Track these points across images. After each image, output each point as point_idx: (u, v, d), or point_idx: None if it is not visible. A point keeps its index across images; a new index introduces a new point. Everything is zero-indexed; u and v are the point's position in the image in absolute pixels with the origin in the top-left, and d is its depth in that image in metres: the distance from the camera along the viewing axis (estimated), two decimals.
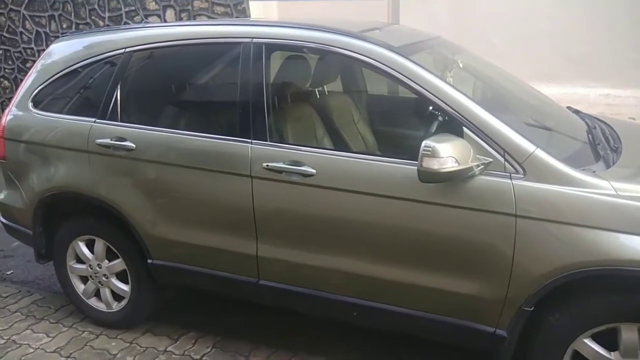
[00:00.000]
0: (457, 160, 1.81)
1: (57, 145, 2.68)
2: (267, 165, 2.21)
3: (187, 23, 2.87)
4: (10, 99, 6.95)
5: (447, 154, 1.80)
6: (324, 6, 4.93)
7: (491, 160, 1.90)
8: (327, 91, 3.03)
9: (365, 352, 2.57)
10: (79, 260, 2.82)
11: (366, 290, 2.19)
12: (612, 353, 1.87)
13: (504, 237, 1.88)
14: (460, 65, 2.48)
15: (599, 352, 1.88)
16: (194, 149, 2.38)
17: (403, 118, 2.94)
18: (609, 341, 1.87)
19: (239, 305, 2.82)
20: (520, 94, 2.68)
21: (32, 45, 6.57)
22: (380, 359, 2.53)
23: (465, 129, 1.93)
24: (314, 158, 2.17)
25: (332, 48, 2.21)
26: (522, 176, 1.88)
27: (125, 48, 2.59)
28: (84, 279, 2.86)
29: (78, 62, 2.73)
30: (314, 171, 2.14)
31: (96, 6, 6.07)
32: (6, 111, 2.95)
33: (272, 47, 2.34)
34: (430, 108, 2.05)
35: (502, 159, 1.90)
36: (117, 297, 2.79)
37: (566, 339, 1.91)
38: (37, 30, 6.47)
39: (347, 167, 2.13)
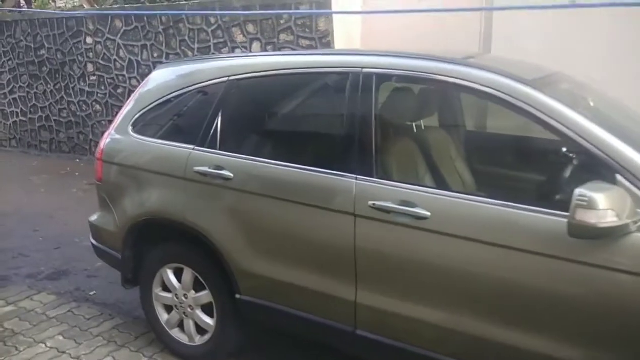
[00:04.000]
0: (617, 214, 1.55)
1: (154, 171, 2.67)
2: (374, 204, 2.04)
3: (292, 53, 2.82)
4: (101, 122, 7.34)
5: (606, 206, 1.54)
6: (410, 35, 4.79)
7: None
8: (425, 125, 2.85)
9: None
10: (165, 288, 2.76)
11: (490, 354, 1.92)
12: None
13: None
14: (591, 103, 2.22)
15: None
16: (294, 181, 2.26)
17: (513, 158, 2.70)
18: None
19: (324, 349, 2.63)
20: None
21: (124, 73, 6.90)
22: None
23: (619, 177, 1.67)
24: (427, 199, 1.98)
25: (455, 80, 2.03)
26: None
27: (229, 76, 2.55)
28: (169, 309, 2.78)
29: (179, 90, 2.72)
30: (429, 214, 1.94)
31: (186, 37, 6.30)
32: (105, 135, 2.99)
33: (383, 78, 2.21)
34: (565, 149, 1.81)
35: None
36: (200, 330, 2.69)
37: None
38: (129, 59, 6.80)
39: (466, 212, 1.92)
